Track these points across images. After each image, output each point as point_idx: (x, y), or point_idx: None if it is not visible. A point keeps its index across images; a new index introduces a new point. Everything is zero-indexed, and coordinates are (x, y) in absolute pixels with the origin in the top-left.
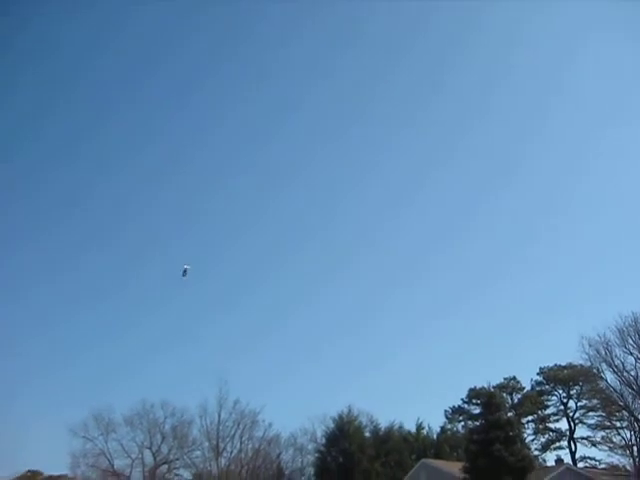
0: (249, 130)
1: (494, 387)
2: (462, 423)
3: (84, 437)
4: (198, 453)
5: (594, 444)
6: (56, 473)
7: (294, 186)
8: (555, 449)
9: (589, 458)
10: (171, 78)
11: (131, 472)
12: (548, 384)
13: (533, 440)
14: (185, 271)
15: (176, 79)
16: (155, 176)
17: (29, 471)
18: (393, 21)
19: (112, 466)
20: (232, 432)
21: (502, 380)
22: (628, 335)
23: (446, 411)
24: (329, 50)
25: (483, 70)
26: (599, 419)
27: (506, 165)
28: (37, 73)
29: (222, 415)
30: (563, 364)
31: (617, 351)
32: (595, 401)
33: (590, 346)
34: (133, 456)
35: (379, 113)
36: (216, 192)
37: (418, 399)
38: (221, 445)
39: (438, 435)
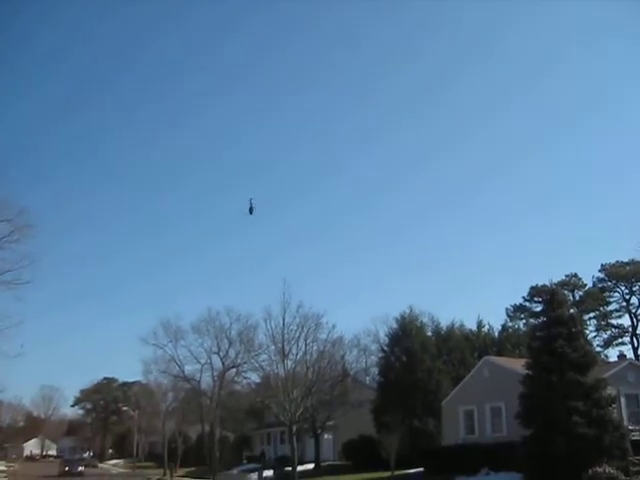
0: None
1: (555, 284)
2: (524, 321)
3: (154, 345)
4: (264, 356)
5: None
6: (130, 379)
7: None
8: (617, 345)
9: None
10: None
11: (201, 377)
12: (610, 281)
13: (595, 337)
14: (251, 208)
15: None
16: None
17: (105, 378)
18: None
19: (182, 372)
20: (297, 335)
21: (563, 277)
22: None
23: (507, 309)
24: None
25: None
26: None
27: None
28: None
29: (286, 319)
30: (625, 260)
31: None
32: None
33: None
34: (202, 361)
35: None
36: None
37: (478, 298)
38: (286, 348)
39: (499, 333)
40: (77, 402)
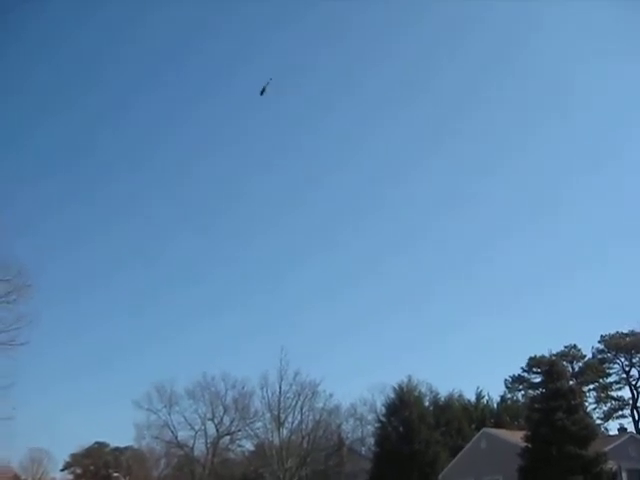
0: None
1: (554, 355)
2: (522, 392)
3: (148, 409)
4: (260, 424)
5: None
6: (122, 444)
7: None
8: (617, 418)
9: None
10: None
11: (194, 443)
12: (610, 352)
13: (595, 409)
14: (264, 89)
15: None
16: None
17: (96, 443)
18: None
19: (175, 438)
20: (293, 403)
21: (562, 348)
22: None
23: (506, 380)
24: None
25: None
26: None
27: None
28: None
29: (283, 386)
30: (625, 331)
31: None
32: None
33: None
34: (196, 428)
35: None
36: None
37: (477, 369)
38: (282, 416)
39: (498, 404)
40: (67, 467)
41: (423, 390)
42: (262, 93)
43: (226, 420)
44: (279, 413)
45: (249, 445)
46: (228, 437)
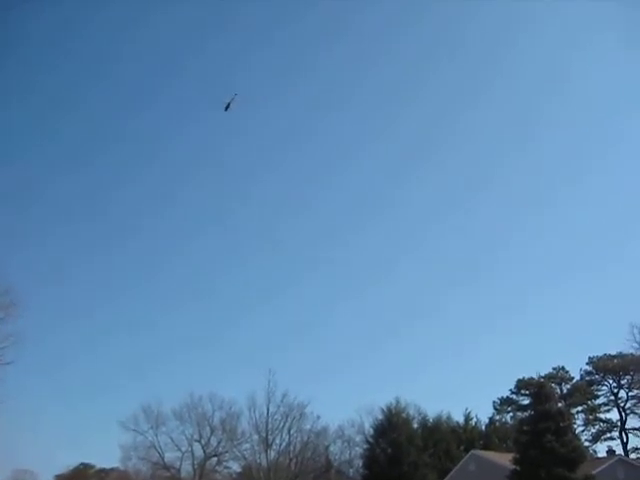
0: None
1: (543, 377)
2: (511, 414)
3: (134, 430)
4: (247, 446)
5: None
6: (107, 466)
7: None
8: (606, 440)
9: None
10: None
11: (181, 465)
12: (598, 374)
13: (583, 431)
14: (229, 104)
15: None
16: None
17: (82, 464)
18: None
19: (162, 459)
20: (280, 425)
21: (551, 370)
22: None
23: (494, 402)
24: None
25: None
26: None
27: None
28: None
29: (270, 408)
30: (613, 353)
31: None
32: None
33: None
34: (183, 449)
35: None
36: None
37: (466, 390)
38: (270, 438)
39: (486, 426)
40: None
41: (411, 412)
42: (227, 109)
43: (213, 441)
44: (267, 434)
45: (236, 467)
46: (215, 458)
